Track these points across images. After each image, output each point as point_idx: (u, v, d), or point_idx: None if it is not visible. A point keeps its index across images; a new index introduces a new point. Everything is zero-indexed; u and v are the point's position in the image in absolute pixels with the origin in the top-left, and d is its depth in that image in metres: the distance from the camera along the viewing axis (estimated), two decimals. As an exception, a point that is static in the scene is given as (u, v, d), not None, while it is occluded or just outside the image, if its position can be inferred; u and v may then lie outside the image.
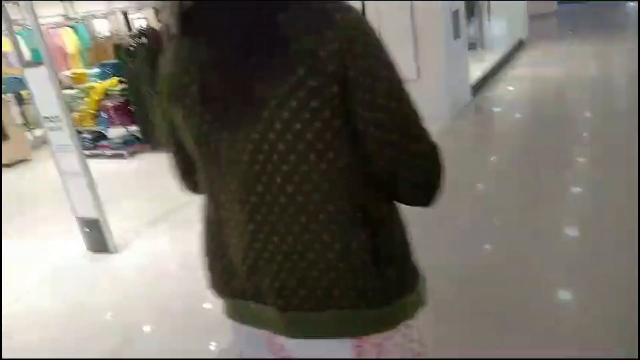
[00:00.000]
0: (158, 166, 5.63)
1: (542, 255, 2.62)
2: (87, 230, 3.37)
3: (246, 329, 0.90)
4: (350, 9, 0.76)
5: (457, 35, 5.23)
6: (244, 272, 0.83)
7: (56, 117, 3.02)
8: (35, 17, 2.91)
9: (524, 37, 8.92)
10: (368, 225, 0.79)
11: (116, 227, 3.53)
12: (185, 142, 0.86)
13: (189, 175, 0.94)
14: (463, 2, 5.48)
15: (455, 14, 5.15)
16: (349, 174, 0.78)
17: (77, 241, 3.45)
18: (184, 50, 0.81)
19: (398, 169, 0.79)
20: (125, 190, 4.81)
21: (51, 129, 3.09)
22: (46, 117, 3.07)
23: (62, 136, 3.08)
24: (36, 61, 2.86)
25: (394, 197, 0.84)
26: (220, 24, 0.76)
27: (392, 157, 0.78)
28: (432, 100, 5.06)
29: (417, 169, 0.80)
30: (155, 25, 9.08)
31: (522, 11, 8.98)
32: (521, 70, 7.24)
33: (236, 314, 0.91)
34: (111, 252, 3.37)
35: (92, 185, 3.20)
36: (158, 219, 3.88)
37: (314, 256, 0.78)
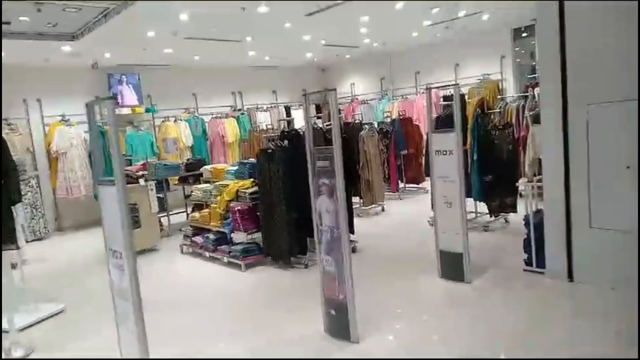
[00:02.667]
0: (274, 287, 4.79)
1: None
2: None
3: None
4: None
5: None
6: None
7: (119, 253, 2.26)
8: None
9: None
10: None
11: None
12: None
13: None
14: None
15: None
16: None
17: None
18: None
19: None
20: (224, 324, 3.88)
21: (113, 265, 2.34)
22: (111, 250, 2.34)
23: (124, 279, 2.28)
24: (111, 180, 2.19)
25: None
26: None
27: None
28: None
29: None
30: (303, 126, 8.83)
31: None
32: None
33: None
34: None
35: (143, 339, 2.29)
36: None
37: None
